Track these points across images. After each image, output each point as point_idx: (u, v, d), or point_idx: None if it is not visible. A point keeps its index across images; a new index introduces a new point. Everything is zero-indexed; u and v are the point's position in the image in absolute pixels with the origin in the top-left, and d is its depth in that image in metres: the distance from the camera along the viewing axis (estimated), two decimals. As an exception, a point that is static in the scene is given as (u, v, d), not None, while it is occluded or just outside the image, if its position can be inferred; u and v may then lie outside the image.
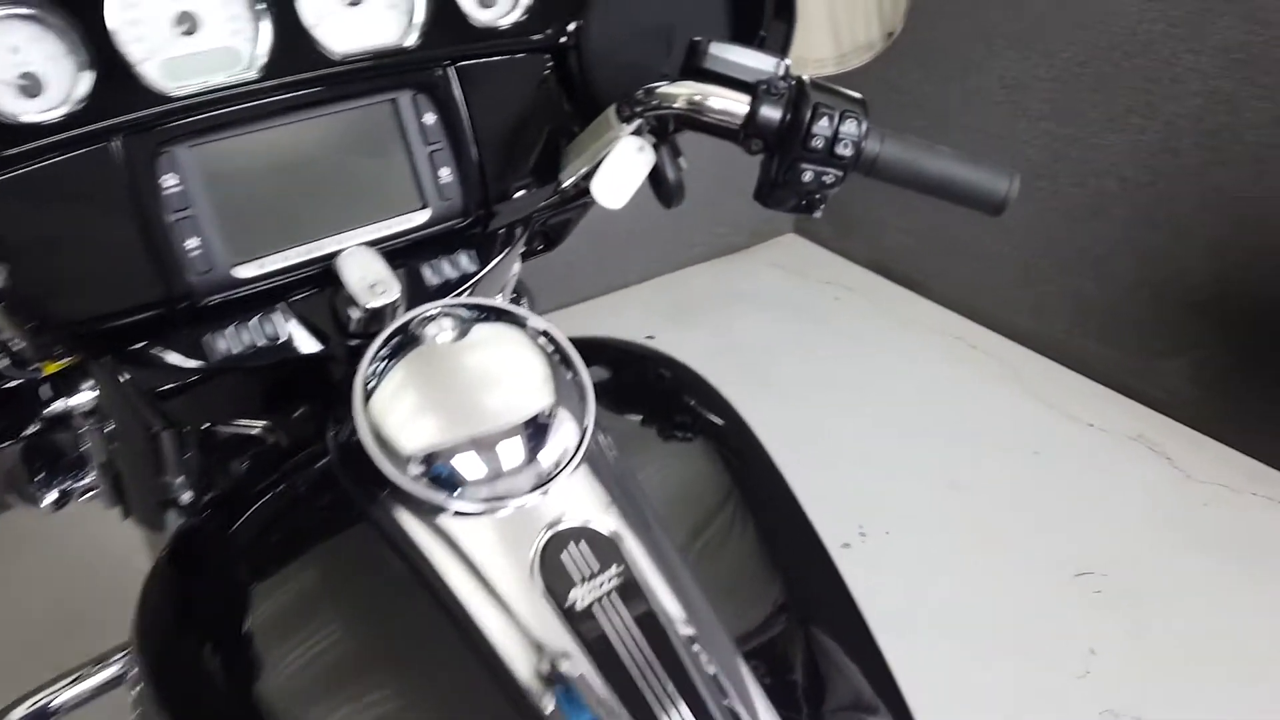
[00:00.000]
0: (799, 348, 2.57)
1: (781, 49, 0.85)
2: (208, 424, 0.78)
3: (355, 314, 0.68)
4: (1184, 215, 2.14)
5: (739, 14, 0.86)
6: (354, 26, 0.70)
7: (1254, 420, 2.16)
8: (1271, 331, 2.07)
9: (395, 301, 0.67)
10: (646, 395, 0.81)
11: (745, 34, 0.86)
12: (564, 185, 0.83)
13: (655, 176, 0.79)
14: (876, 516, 2.02)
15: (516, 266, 0.95)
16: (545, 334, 0.66)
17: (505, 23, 0.75)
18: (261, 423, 0.78)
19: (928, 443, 2.23)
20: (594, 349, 0.69)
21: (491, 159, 0.76)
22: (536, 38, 0.77)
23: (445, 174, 0.75)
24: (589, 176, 0.79)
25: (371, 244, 0.72)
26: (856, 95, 0.71)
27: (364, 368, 0.62)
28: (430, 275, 0.77)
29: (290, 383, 0.74)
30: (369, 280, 0.67)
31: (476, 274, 0.79)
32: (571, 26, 0.79)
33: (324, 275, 0.70)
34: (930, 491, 2.09)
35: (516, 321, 0.66)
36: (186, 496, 0.81)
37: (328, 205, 0.71)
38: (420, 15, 0.72)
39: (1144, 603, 1.83)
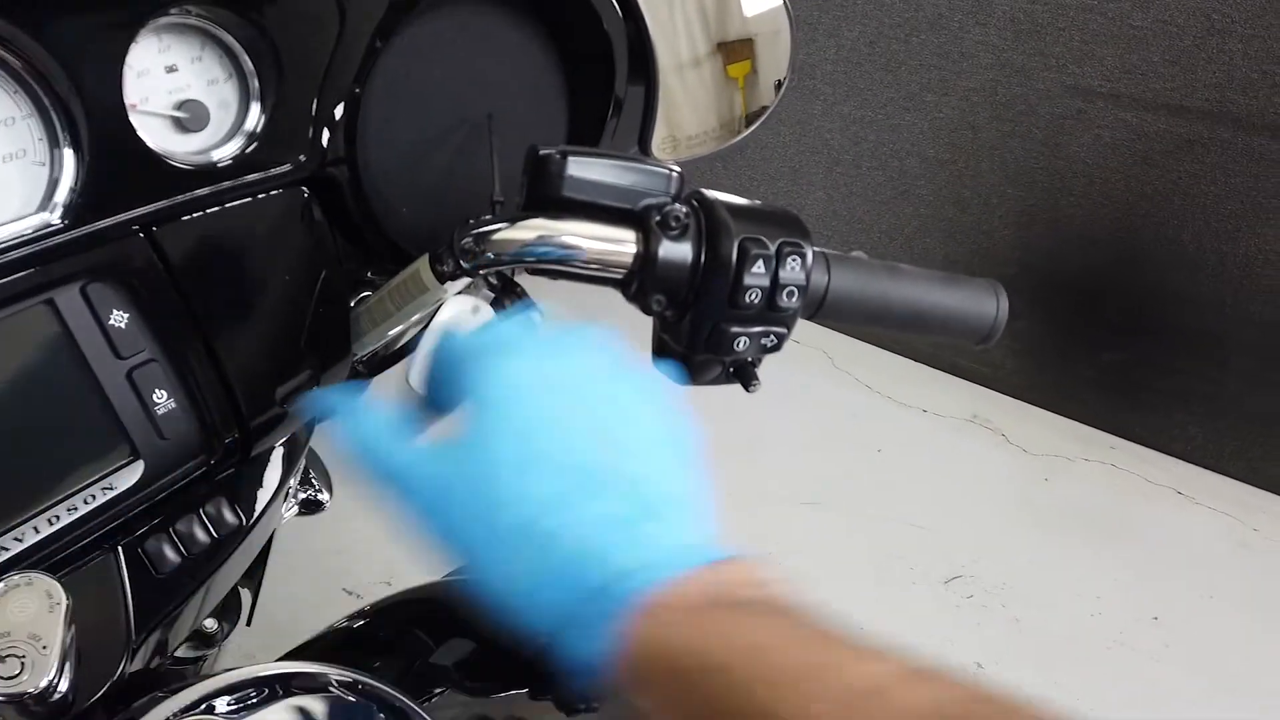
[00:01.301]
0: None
1: (640, 139, 0.61)
2: None
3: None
4: (987, 190, 2.11)
5: (571, 91, 0.61)
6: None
7: (1069, 384, 2.19)
8: (1073, 297, 2.09)
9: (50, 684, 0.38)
10: None
11: (585, 120, 0.61)
12: (362, 359, 0.56)
13: (500, 341, 0.53)
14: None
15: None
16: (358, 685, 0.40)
17: (223, 157, 0.47)
18: None
19: (769, 456, 2.09)
20: None
21: (237, 355, 0.48)
22: (279, 171, 0.49)
23: (160, 398, 0.46)
24: (401, 345, 0.52)
25: (58, 535, 0.43)
26: (787, 211, 0.49)
27: None
28: (166, 555, 0.48)
29: None
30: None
31: (243, 528, 0.51)
32: (332, 144, 0.51)
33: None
34: (786, 514, 1.96)
35: (315, 685, 0.39)
36: None
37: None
38: (68, 174, 0.42)
39: (1017, 601, 1.79)
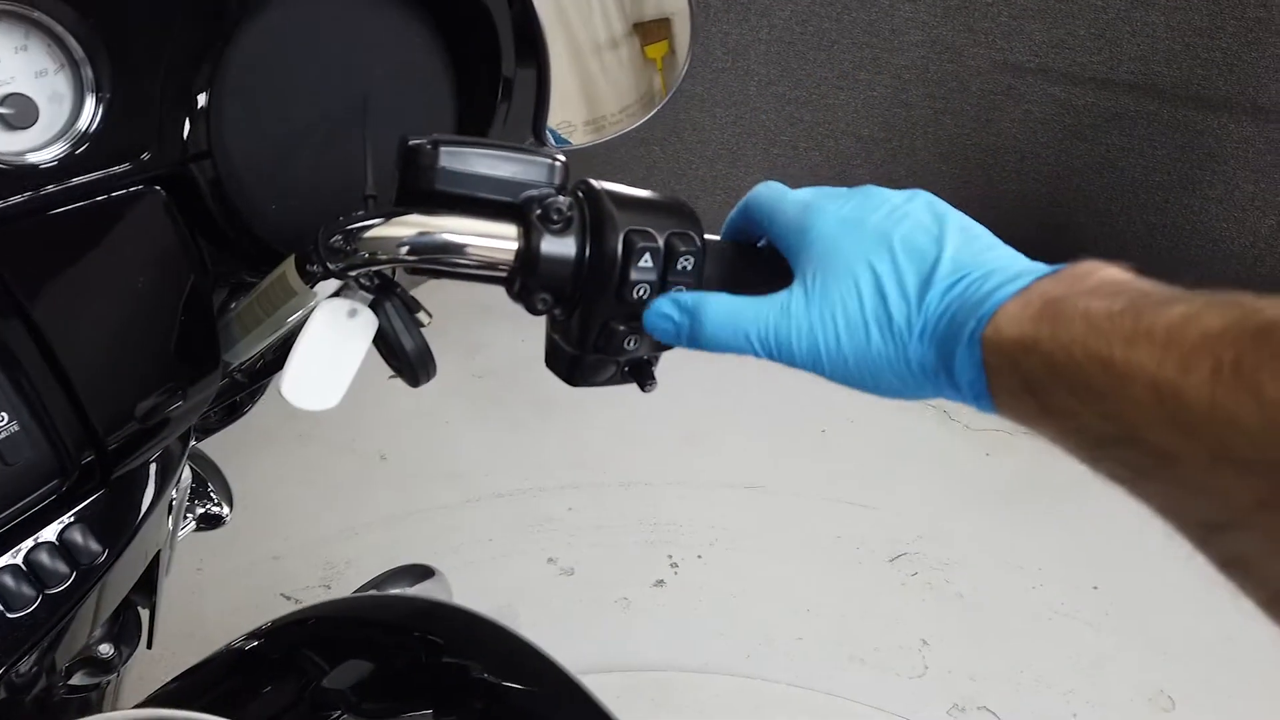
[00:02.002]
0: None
1: (534, 125, 0.58)
2: None
3: None
4: (922, 168, 2.11)
5: (458, 76, 0.58)
6: None
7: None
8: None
9: None
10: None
11: (474, 106, 0.58)
12: (235, 369, 0.52)
13: (386, 345, 0.50)
14: (685, 539, 1.85)
15: (185, 472, 0.63)
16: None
17: (51, 156, 0.43)
18: None
19: (714, 441, 2.08)
20: None
21: (87, 370, 0.45)
22: (119, 170, 0.45)
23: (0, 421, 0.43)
24: (280, 350, 0.49)
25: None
26: (677, 200, 0.46)
27: None
28: (21, 591, 0.45)
29: None
30: None
31: (106, 556, 0.47)
32: (189, 138, 0.47)
33: None
34: (731, 499, 1.95)
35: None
36: None
37: None
38: None
39: (961, 577, 1.80)
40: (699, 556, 1.83)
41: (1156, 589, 1.77)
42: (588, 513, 1.90)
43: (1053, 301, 0.36)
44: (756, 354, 0.44)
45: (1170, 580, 1.79)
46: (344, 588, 1.76)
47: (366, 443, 2.01)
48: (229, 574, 1.73)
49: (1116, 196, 1.94)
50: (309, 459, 1.95)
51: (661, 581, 1.78)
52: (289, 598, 1.75)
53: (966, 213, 0.45)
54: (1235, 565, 0.31)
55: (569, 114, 0.70)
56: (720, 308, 0.44)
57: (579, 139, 0.72)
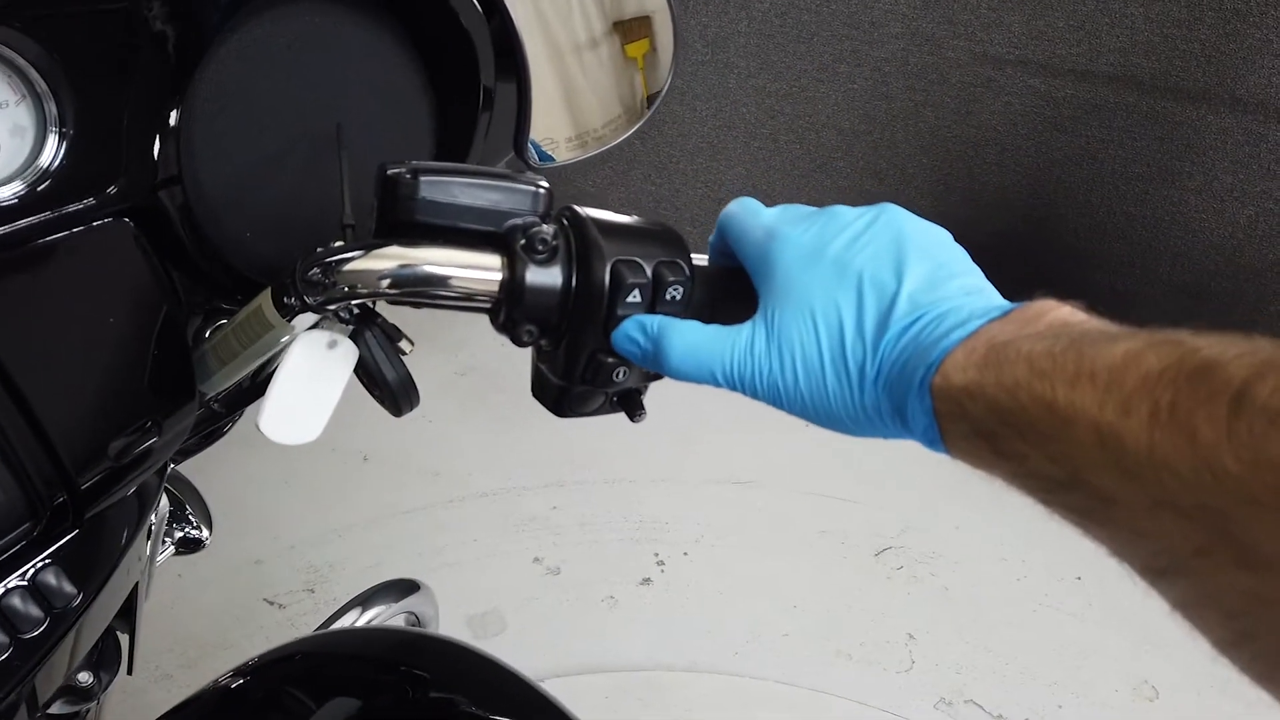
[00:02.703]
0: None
1: (515, 140, 0.57)
2: None
3: None
4: (903, 160, 2.11)
5: (435, 92, 0.56)
6: None
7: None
8: (989, 261, 2.09)
9: None
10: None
11: (453, 124, 0.56)
12: (211, 399, 0.51)
13: (368, 375, 0.49)
14: (670, 537, 1.85)
15: (163, 499, 0.61)
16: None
17: (12, 193, 0.41)
18: None
19: (701, 438, 2.08)
20: None
21: (56, 410, 0.43)
22: (84, 206, 0.43)
23: None
24: (257, 381, 0.48)
25: None
26: (664, 227, 0.45)
27: None
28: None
29: None
30: None
31: (82, 598, 0.46)
32: (158, 167, 0.46)
33: None
34: (716, 495, 1.95)
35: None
36: None
37: None
38: None
39: (946, 570, 1.81)
40: (685, 554, 1.83)
41: (1141, 581, 1.78)
42: (572, 511, 1.89)
43: (998, 347, 0.36)
44: (719, 386, 0.43)
45: (1152, 570, 1.80)
46: (327, 592, 1.74)
47: (348, 443, 1.99)
48: (210, 580, 1.71)
49: (1096, 188, 1.94)
50: (290, 461, 1.93)
51: (648, 579, 1.78)
52: (272, 602, 1.73)
53: (948, 207, 0.44)
54: (1183, 609, 0.31)
55: (552, 128, 0.69)
56: (684, 339, 0.43)
57: (563, 155, 0.70)
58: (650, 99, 0.88)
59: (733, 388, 0.43)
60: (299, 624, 1.69)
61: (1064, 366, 0.32)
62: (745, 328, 0.43)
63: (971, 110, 1.97)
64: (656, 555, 1.82)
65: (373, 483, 1.94)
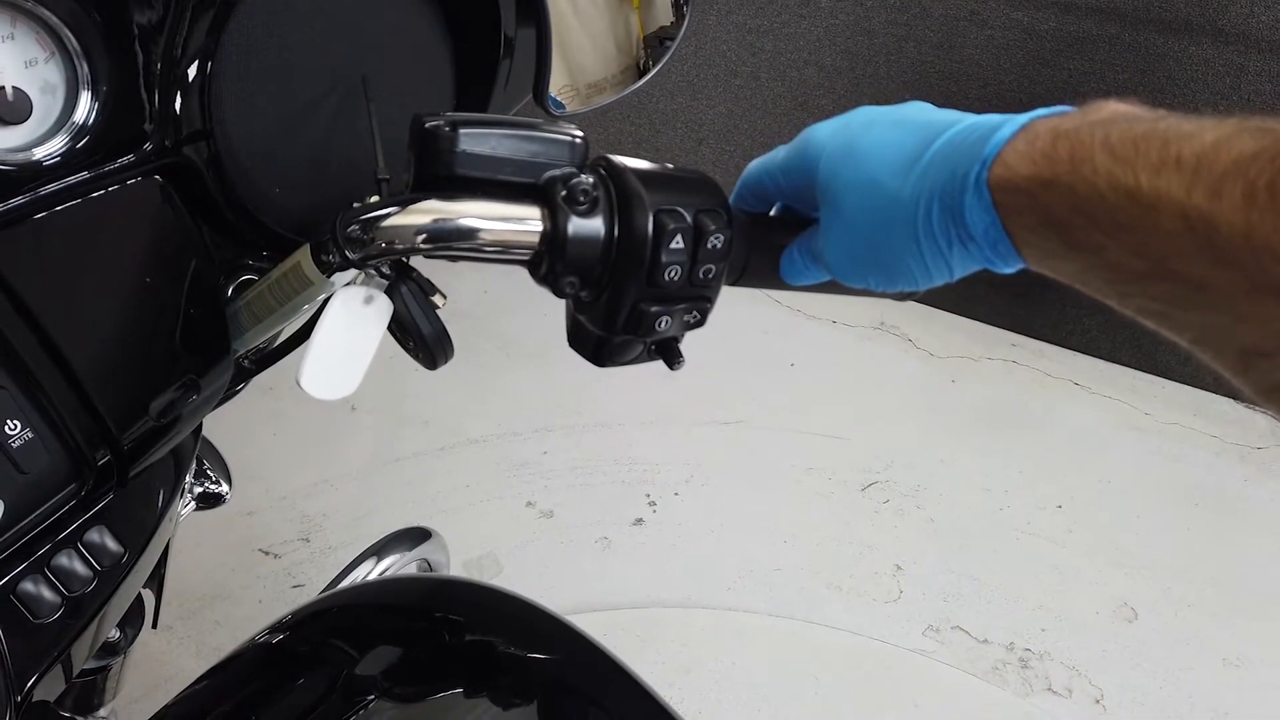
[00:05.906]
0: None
1: (535, 86, 0.56)
2: None
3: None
4: (886, 97, 2.09)
5: (455, 38, 0.55)
6: None
7: (970, 287, 2.23)
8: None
9: None
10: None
11: (474, 69, 0.56)
12: (247, 355, 0.51)
13: (402, 328, 0.49)
14: (661, 478, 1.87)
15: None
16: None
17: (50, 153, 0.40)
18: None
19: (686, 378, 2.09)
20: None
21: (98, 371, 0.43)
22: (121, 163, 0.43)
23: (14, 429, 0.41)
24: (290, 336, 0.48)
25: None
26: (701, 175, 0.46)
27: None
28: (44, 597, 0.44)
29: None
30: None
31: (130, 554, 0.46)
32: (185, 122, 0.45)
33: None
34: (704, 436, 1.98)
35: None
36: None
37: None
38: None
39: (931, 502, 1.85)
40: (676, 494, 1.85)
41: (1117, 507, 1.84)
42: (563, 455, 1.91)
43: (1066, 133, 0.35)
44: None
45: (1131, 498, 1.86)
46: (322, 540, 1.75)
47: (335, 394, 1.98)
48: (204, 532, 1.71)
49: (1078, 122, 1.95)
50: (278, 411, 1.93)
51: (640, 520, 1.80)
52: (267, 552, 1.74)
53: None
54: (1276, 392, 0.31)
55: (573, 74, 0.68)
56: (834, 250, 0.45)
57: (575, 105, 0.69)
58: (650, 53, 0.86)
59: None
60: (295, 573, 1.70)
61: (1146, 153, 0.31)
62: (817, 224, 0.45)
63: (954, 44, 1.96)
64: (648, 496, 1.84)
65: (363, 433, 1.94)
